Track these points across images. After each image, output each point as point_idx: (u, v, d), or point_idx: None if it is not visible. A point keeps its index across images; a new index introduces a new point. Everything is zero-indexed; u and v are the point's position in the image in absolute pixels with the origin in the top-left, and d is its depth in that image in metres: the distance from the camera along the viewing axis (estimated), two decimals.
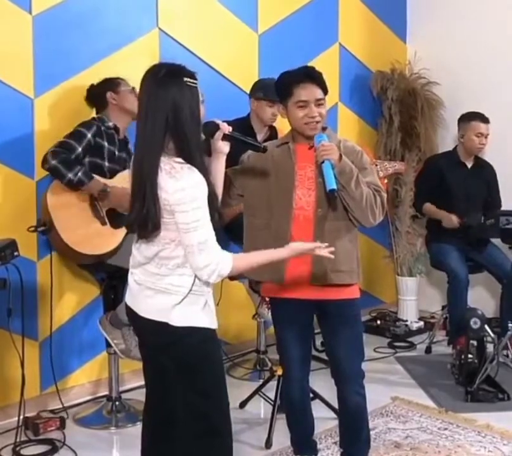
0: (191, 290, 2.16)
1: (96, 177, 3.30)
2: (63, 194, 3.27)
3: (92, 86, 3.56)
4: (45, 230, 3.26)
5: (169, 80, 2.12)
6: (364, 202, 2.57)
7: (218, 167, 2.38)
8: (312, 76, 2.63)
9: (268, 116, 3.91)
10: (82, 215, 3.30)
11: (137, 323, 2.29)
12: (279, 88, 2.69)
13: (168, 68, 2.16)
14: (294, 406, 2.86)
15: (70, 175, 3.19)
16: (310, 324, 2.82)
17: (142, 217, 2.11)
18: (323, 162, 2.53)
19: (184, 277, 2.16)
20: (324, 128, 2.68)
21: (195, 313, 2.18)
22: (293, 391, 2.83)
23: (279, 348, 2.84)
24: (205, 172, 2.15)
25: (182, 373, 2.19)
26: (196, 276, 2.15)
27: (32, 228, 3.28)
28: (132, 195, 2.16)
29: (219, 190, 2.36)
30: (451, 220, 4.29)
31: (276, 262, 2.42)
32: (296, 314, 2.73)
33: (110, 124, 3.46)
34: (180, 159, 2.11)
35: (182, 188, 2.06)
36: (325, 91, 2.64)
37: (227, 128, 2.37)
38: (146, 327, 2.24)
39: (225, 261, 2.13)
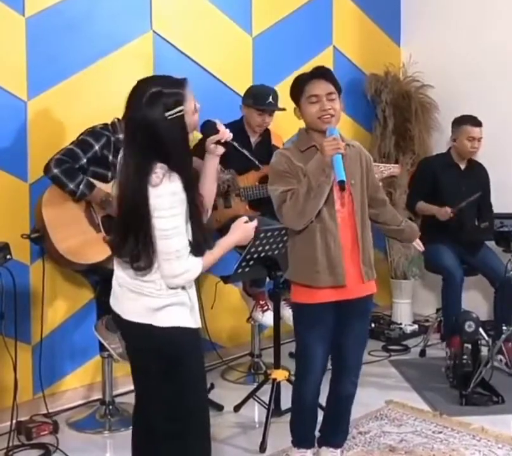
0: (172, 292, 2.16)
1: (98, 185, 3.27)
2: (57, 201, 3.24)
3: None
4: (38, 237, 3.23)
5: (150, 106, 2.07)
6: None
7: (209, 167, 2.37)
8: (321, 73, 2.69)
9: (256, 124, 3.91)
10: (77, 223, 3.28)
11: (122, 326, 2.28)
12: (292, 91, 2.75)
13: (152, 93, 2.08)
14: (306, 407, 2.89)
15: (72, 186, 3.18)
16: (333, 325, 2.81)
17: (137, 253, 2.10)
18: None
19: (163, 280, 2.15)
20: None
21: (178, 313, 2.18)
22: (311, 392, 2.85)
23: (303, 349, 2.83)
24: (191, 183, 2.14)
25: (164, 374, 2.19)
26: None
27: (25, 236, 3.25)
28: (123, 226, 2.13)
29: (208, 191, 2.35)
30: (445, 211, 4.23)
31: (334, 266, 2.64)
32: (324, 316, 2.75)
33: (120, 136, 3.30)
34: (163, 165, 2.08)
35: (160, 195, 2.06)
36: (336, 87, 2.69)
37: (227, 136, 2.35)
38: (130, 329, 2.24)
39: (197, 266, 2.14)
